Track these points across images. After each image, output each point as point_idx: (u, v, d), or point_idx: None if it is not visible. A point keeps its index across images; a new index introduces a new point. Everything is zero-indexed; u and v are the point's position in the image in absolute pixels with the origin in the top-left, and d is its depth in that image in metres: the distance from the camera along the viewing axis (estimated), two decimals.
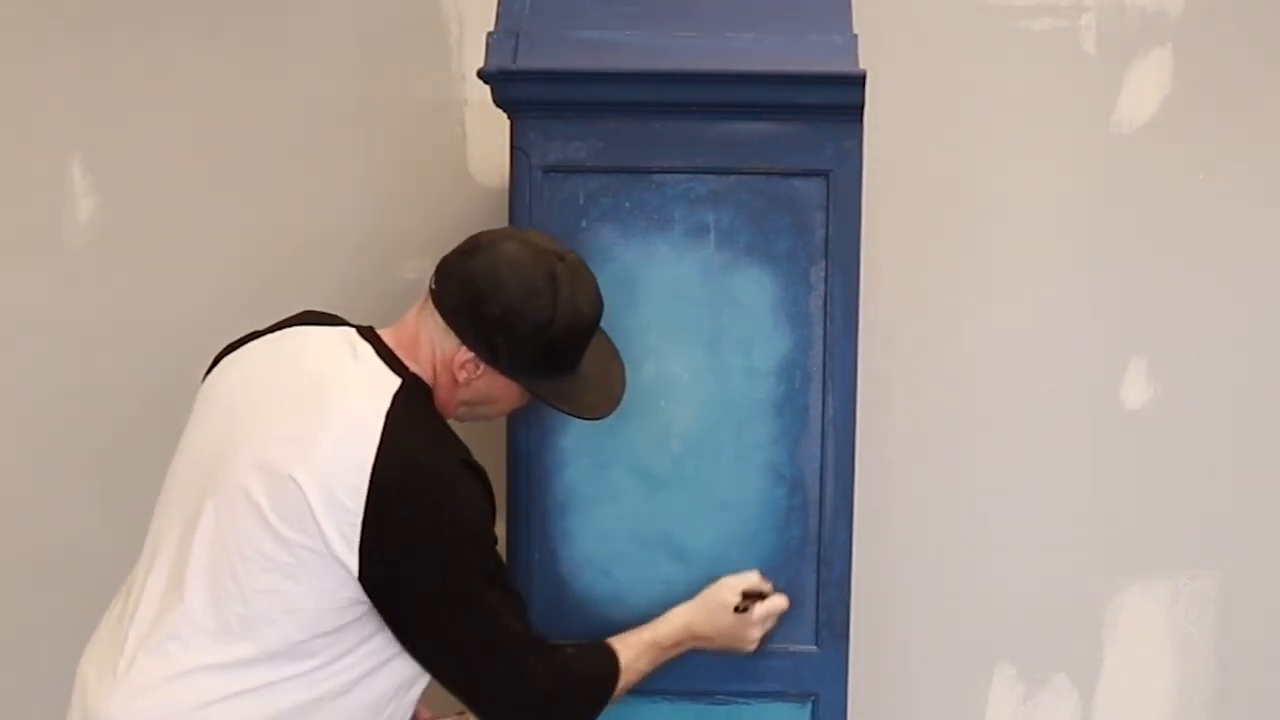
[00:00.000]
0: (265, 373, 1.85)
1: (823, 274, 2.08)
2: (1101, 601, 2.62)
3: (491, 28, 2.10)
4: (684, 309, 2.08)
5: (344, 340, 1.87)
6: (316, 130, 2.57)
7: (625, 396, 2.00)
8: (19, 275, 2.64)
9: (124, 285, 2.61)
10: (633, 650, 1.96)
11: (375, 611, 1.78)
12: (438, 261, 1.87)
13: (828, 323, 2.08)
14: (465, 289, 1.82)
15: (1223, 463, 2.60)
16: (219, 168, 2.58)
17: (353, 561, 1.73)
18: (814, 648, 2.10)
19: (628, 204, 2.08)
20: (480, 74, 2.05)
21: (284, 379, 1.83)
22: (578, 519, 2.08)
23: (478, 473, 1.84)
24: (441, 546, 1.77)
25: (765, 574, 2.06)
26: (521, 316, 1.81)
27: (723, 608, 2.02)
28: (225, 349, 1.93)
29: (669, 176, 2.07)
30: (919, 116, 2.54)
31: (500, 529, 2.20)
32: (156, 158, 2.60)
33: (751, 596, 2.03)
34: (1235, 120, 2.56)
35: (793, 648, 2.10)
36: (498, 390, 1.89)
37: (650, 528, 2.09)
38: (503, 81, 2.04)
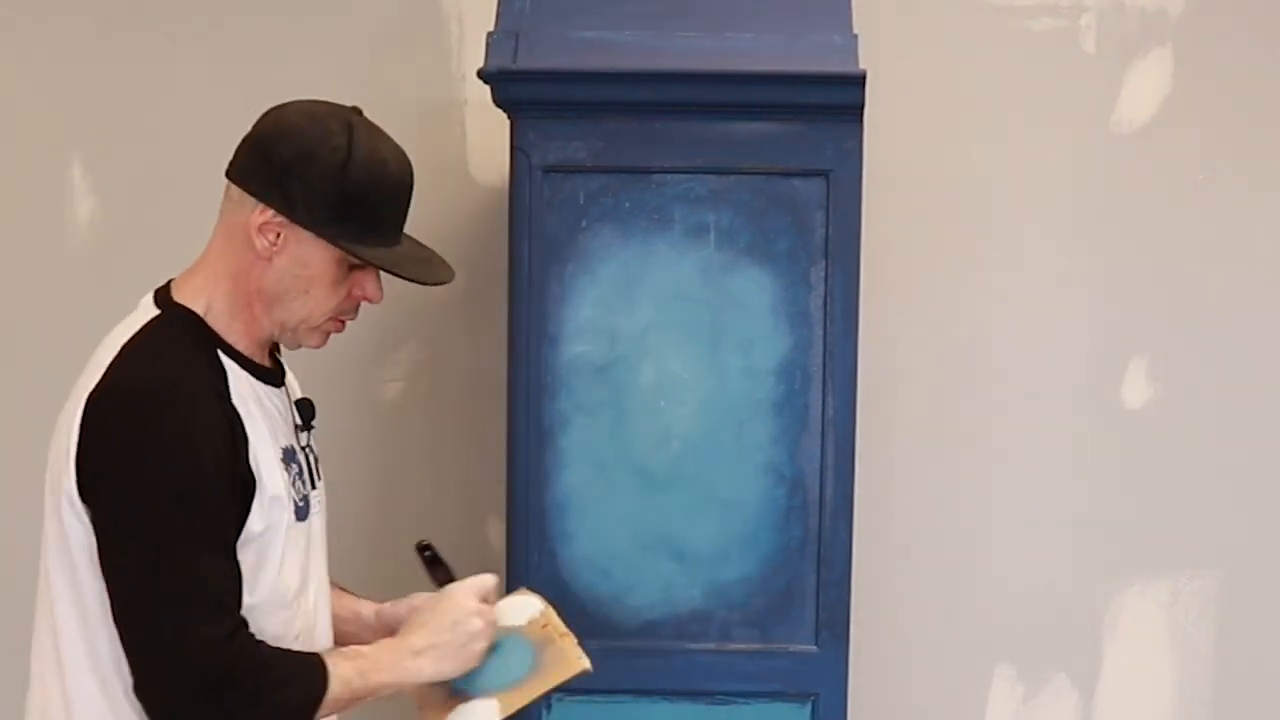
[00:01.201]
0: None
1: (823, 274, 2.08)
2: (1101, 601, 2.62)
3: (491, 28, 2.10)
4: (684, 309, 2.08)
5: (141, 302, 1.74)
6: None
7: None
8: (19, 275, 2.64)
9: (124, 285, 2.61)
10: (346, 669, 1.64)
11: None
12: None
13: (828, 323, 2.08)
14: (255, 144, 1.67)
15: (1222, 463, 2.60)
16: (219, 168, 2.57)
17: (77, 502, 1.59)
18: (814, 648, 2.10)
19: (628, 204, 2.08)
20: (480, 74, 2.05)
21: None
22: (577, 519, 2.08)
23: (203, 402, 1.60)
24: (133, 475, 1.56)
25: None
26: (313, 156, 1.62)
27: (425, 609, 1.74)
28: None
29: (669, 176, 2.07)
30: (919, 116, 2.54)
31: (500, 529, 2.20)
32: (156, 158, 2.60)
33: (441, 564, 1.81)
34: (1235, 120, 2.55)
35: (793, 648, 2.10)
36: (305, 265, 1.65)
37: (650, 528, 2.09)
38: (503, 81, 2.04)
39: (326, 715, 1.63)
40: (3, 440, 2.68)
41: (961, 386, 2.59)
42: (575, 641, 1.85)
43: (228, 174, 1.69)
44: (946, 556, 2.61)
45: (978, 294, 2.58)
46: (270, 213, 1.64)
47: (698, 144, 2.06)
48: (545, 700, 2.11)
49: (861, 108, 2.03)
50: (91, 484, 1.59)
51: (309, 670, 1.61)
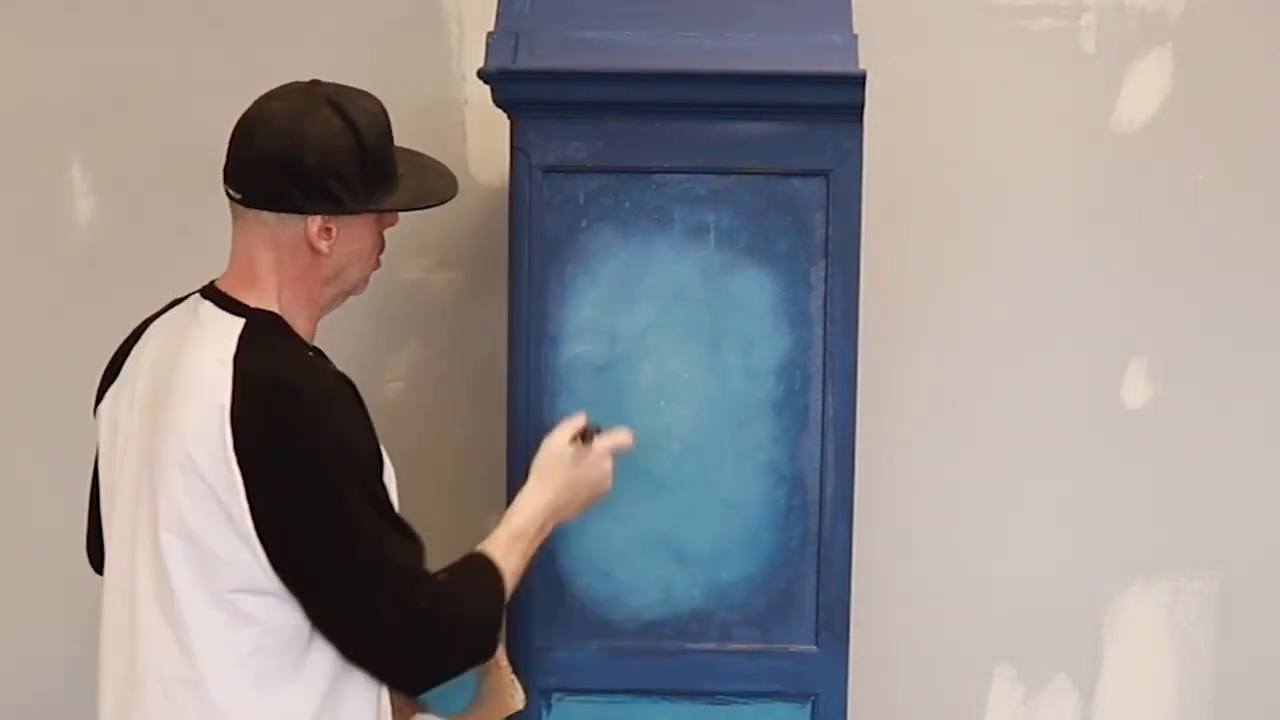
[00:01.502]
0: (142, 392, 1.77)
1: (823, 274, 2.08)
2: (1101, 601, 2.62)
3: (491, 28, 2.10)
4: (684, 309, 2.08)
5: (189, 310, 1.80)
6: None
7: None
8: (19, 275, 2.64)
9: (124, 285, 2.61)
10: (500, 553, 1.84)
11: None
12: (226, 172, 1.79)
13: (828, 323, 2.08)
14: (270, 167, 1.73)
15: (1223, 463, 2.60)
16: (219, 168, 2.58)
17: (247, 521, 1.65)
18: (814, 648, 2.10)
19: (628, 204, 2.08)
20: (480, 74, 2.05)
21: (145, 389, 1.76)
22: (578, 519, 2.08)
23: (345, 387, 1.74)
24: (311, 466, 1.65)
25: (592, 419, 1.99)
26: (334, 151, 1.73)
27: (566, 463, 1.93)
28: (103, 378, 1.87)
29: (669, 176, 2.07)
30: (919, 116, 2.54)
31: None
32: (156, 158, 2.60)
33: (583, 436, 1.95)
34: (1235, 120, 2.55)
35: (793, 648, 2.10)
36: (358, 239, 1.80)
37: (650, 528, 2.09)
38: (503, 81, 2.04)
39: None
40: (5, 439, 2.67)
41: (961, 386, 2.59)
42: (514, 678, 1.97)
43: (252, 204, 1.76)
44: (946, 556, 2.61)
45: (978, 294, 2.58)
46: (320, 218, 1.74)
47: (698, 144, 2.06)
48: (545, 700, 2.11)
49: (861, 108, 2.03)
50: (266, 491, 1.65)
51: (492, 589, 1.81)
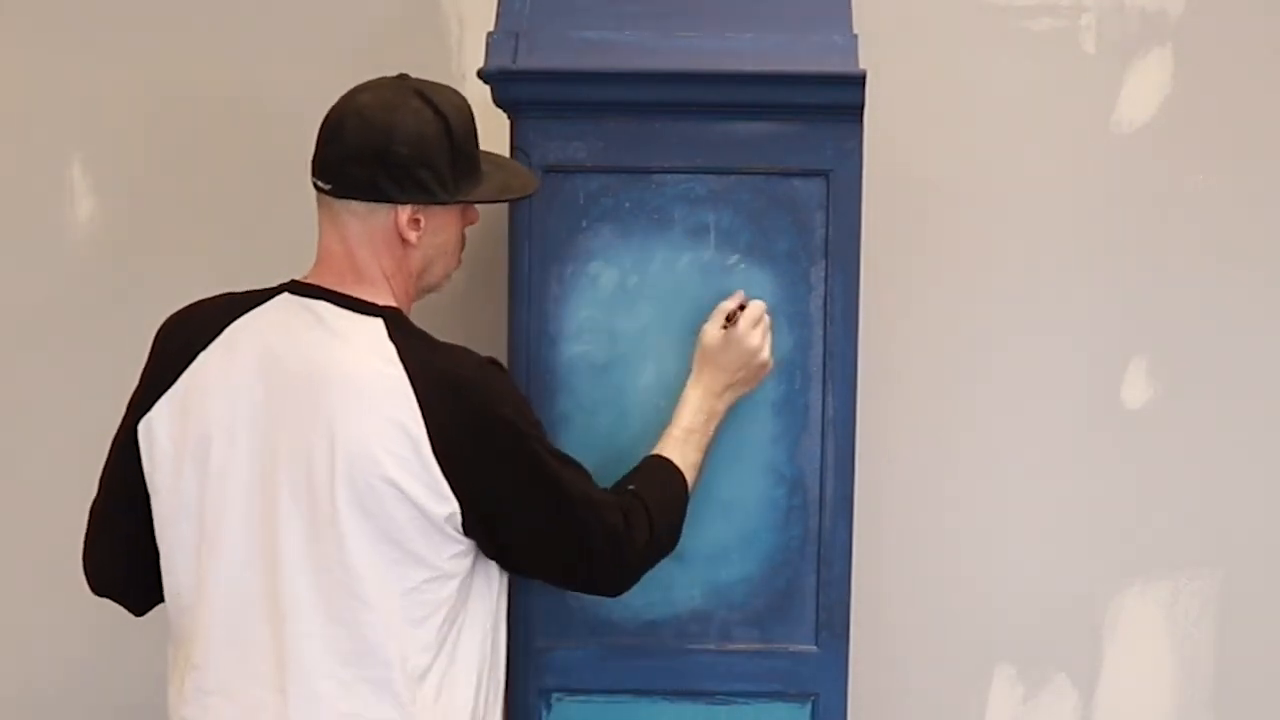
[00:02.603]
0: (263, 394, 1.76)
1: (823, 274, 2.08)
2: (1101, 601, 2.62)
3: (491, 28, 2.10)
4: (684, 309, 2.08)
5: (300, 312, 1.79)
6: (316, 130, 2.56)
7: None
8: (19, 275, 2.64)
9: (124, 285, 2.61)
10: (676, 451, 1.96)
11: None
12: (315, 164, 1.80)
13: (828, 323, 2.08)
14: (363, 157, 1.75)
15: (1223, 463, 2.60)
16: (219, 168, 2.58)
17: (448, 504, 1.73)
18: (814, 648, 2.10)
19: (628, 204, 2.08)
20: (480, 74, 2.05)
21: (279, 386, 1.75)
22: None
23: (498, 364, 1.85)
24: (510, 438, 1.76)
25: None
26: (426, 140, 1.76)
27: (717, 348, 2.00)
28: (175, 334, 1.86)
29: (669, 176, 2.07)
30: (919, 116, 2.54)
31: None
32: (156, 158, 2.60)
33: (730, 318, 2.02)
34: (1235, 120, 2.55)
35: (793, 648, 2.10)
36: (444, 231, 1.85)
37: None
38: (503, 81, 2.04)
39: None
40: (4, 439, 2.67)
41: (961, 386, 2.59)
42: None
43: (343, 194, 1.77)
44: (946, 556, 2.61)
45: (978, 294, 2.58)
46: (410, 209, 1.77)
47: (698, 144, 2.06)
48: (545, 700, 2.11)
49: (861, 108, 2.03)
50: (475, 479, 1.73)
51: (674, 489, 1.93)
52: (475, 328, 2.57)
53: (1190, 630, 2.63)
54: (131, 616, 1.98)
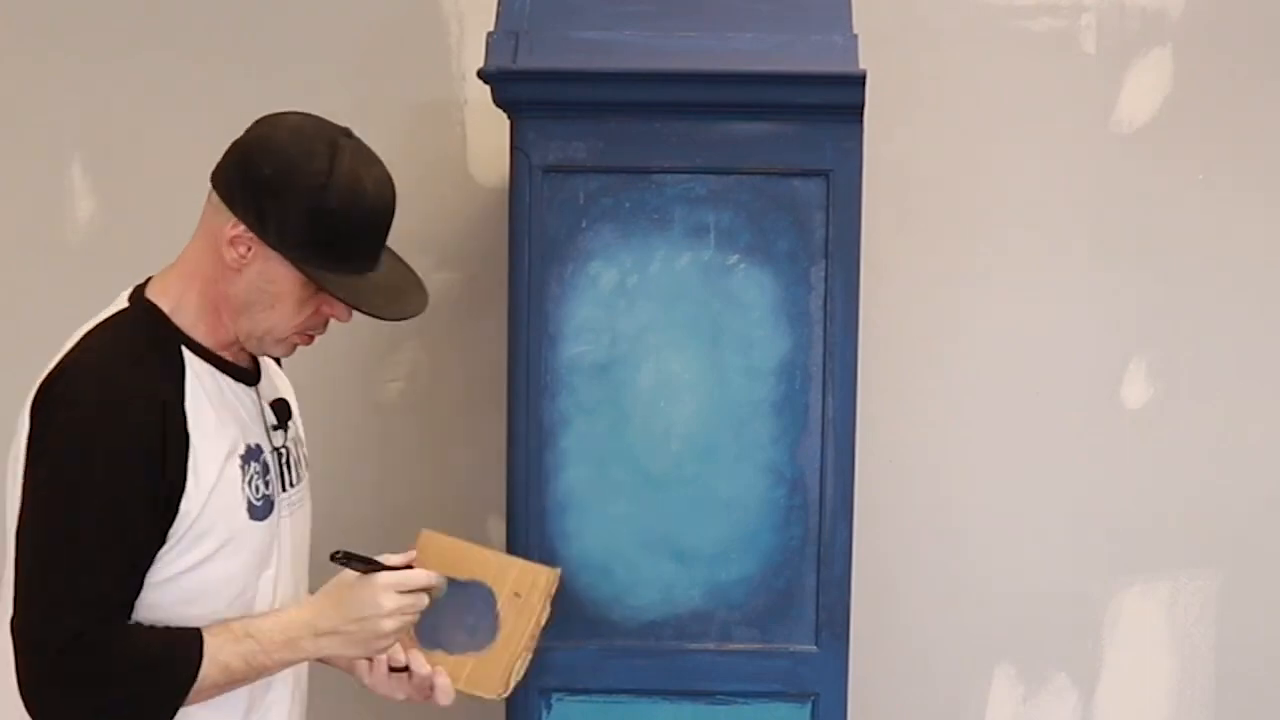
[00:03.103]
0: None
1: (823, 274, 2.08)
2: (1101, 601, 2.62)
3: (491, 28, 2.10)
4: (684, 309, 2.08)
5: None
6: None
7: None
8: (19, 275, 2.64)
9: (124, 285, 2.61)
10: (223, 642, 1.63)
11: None
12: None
13: (828, 323, 2.08)
14: (237, 154, 1.67)
15: (1223, 463, 2.60)
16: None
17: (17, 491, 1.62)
18: (814, 648, 2.10)
19: (628, 204, 2.08)
20: (480, 74, 2.05)
21: None
22: (578, 519, 2.08)
23: (139, 396, 1.61)
24: (55, 452, 1.59)
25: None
26: (291, 178, 1.62)
27: (342, 585, 1.71)
28: None
29: (669, 176, 2.07)
30: (919, 116, 2.54)
31: (500, 529, 2.20)
32: (156, 158, 2.60)
33: (363, 561, 1.72)
34: (1235, 120, 2.55)
35: (793, 648, 2.10)
36: (271, 282, 1.66)
37: (650, 528, 2.09)
38: (503, 81, 2.04)
39: (207, 698, 1.64)
40: (4, 439, 2.67)
41: (961, 386, 2.59)
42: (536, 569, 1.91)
43: (212, 178, 1.70)
44: (946, 556, 2.61)
45: (978, 294, 2.58)
46: (242, 227, 1.65)
47: (698, 144, 2.06)
48: (545, 700, 2.11)
49: (861, 108, 2.03)
50: (27, 465, 1.62)
51: (179, 660, 1.61)
52: (475, 328, 2.57)
53: (1190, 630, 2.63)
54: None
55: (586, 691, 2.11)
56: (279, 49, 2.58)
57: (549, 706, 2.11)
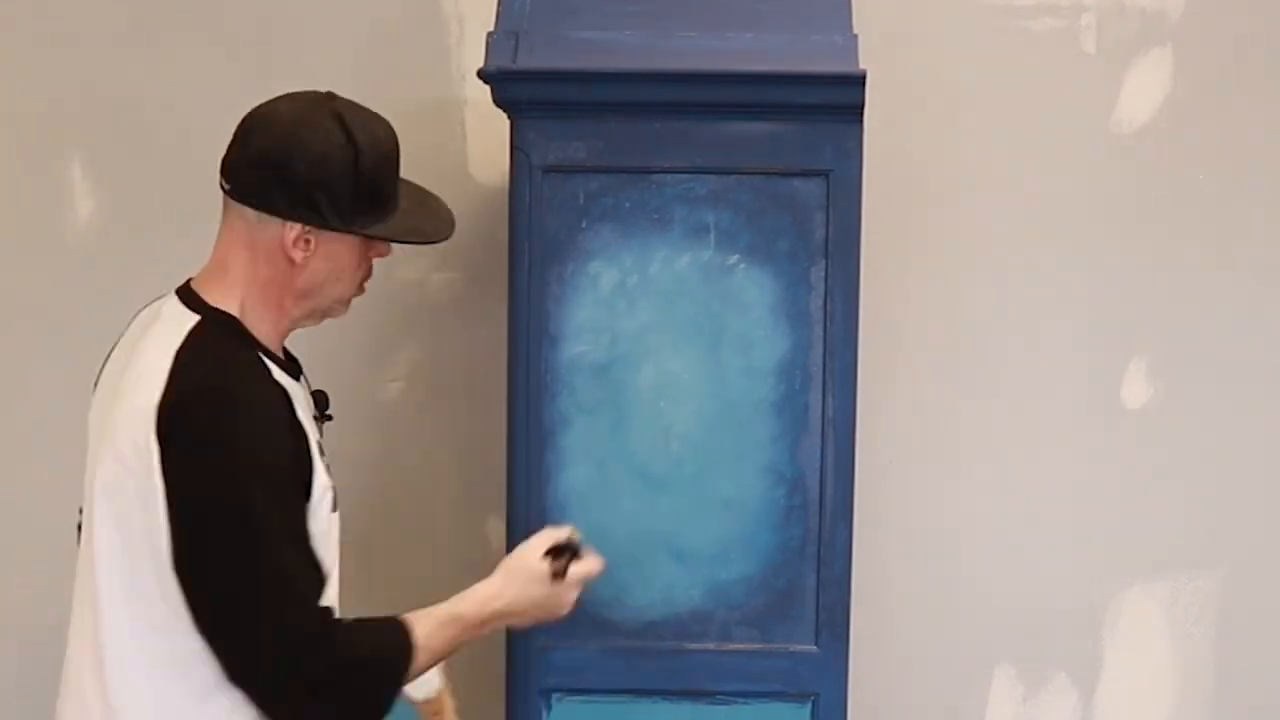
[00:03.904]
0: (100, 387, 1.78)
1: (823, 274, 2.08)
2: (1101, 601, 2.62)
3: (491, 28, 2.10)
4: (684, 309, 2.08)
5: (155, 306, 1.79)
6: None
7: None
8: (19, 275, 2.64)
9: (124, 285, 2.61)
10: (429, 626, 1.74)
11: None
12: (222, 162, 1.76)
13: (828, 323, 2.08)
14: (262, 166, 1.70)
15: (1223, 462, 2.60)
16: (218, 168, 2.58)
17: (162, 522, 1.62)
18: (814, 648, 2.10)
19: (628, 204, 2.08)
20: (480, 74, 2.05)
21: (104, 386, 1.76)
22: (577, 519, 2.08)
23: (275, 397, 1.69)
24: (222, 469, 1.61)
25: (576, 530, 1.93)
26: (326, 164, 1.70)
27: (534, 578, 1.84)
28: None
29: (669, 176, 2.07)
30: (919, 116, 2.54)
31: (500, 529, 2.20)
32: (156, 158, 2.60)
33: (559, 552, 1.86)
34: (1235, 120, 2.56)
35: (793, 648, 2.10)
36: (336, 258, 1.74)
37: (650, 528, 2.09)
38: (503, 81, 2.04)
39: (416, 676, 1.77)
40: (5, 439, 2.67)
41: (961, 386, 2.59)
42: None
43: (238, 197, 1.73)
44: (946, 556, 2.61)
45: (978, 294, 2.58)
46: (299, 227, 1.71)
47: (698, 144, 2.06)
48: (545, 700, 2.11)
49: (861, 108, 2.03)
50: (178, 489, 1.62)
51: (400, 648, 1.71)
52: (475, 328, 2.57)
53: (1190, 630, 2.63)
54: None
55: (586, 691, 2.11)
56: (279, 49, 2.58)
57: (549, 706, 2.12)
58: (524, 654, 2.10)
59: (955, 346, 2.59)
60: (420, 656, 1.73)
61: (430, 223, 1.83)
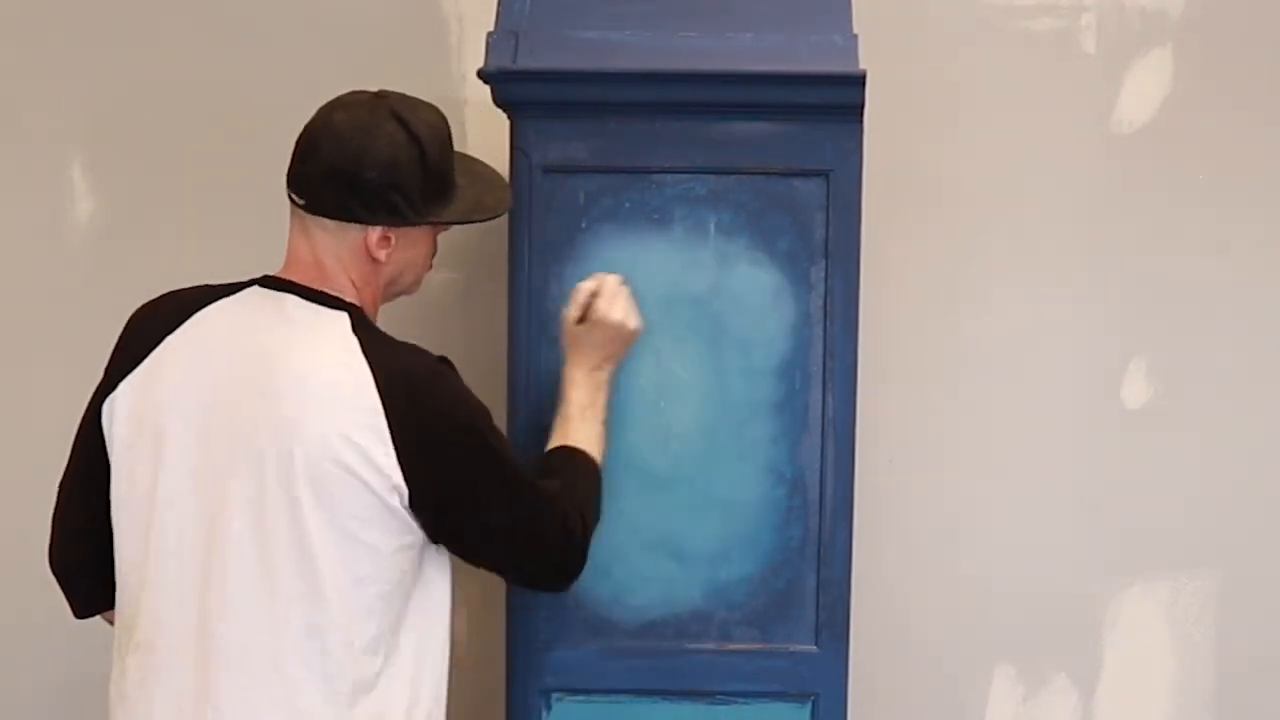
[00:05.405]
0: (214, 380, 1.78)
1: (823, 274, 2.08)
2: (1101, 601, 2.62)
3: (491, 28, 2.10)
4: (684, 309, 2.08)
5: (263, 303, 1.83)
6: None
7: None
8: (19, 275, 2.64)
9: (124, 285, 2.61)
10: (579, 431, 1.96)
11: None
12: (290, 177, 1.83)
13: (828, 323, 2.08)
14: (335, 179, 1.78)
15: (1223, 462, 2.60)
16: (219, 168, 2.58)
17: (402, 494, 1.74)
18: (814, 648, 2.10)
19: (628, 204, 2.08)
20: (480, 74, 2.05)
21: (236, 375, 1.76)
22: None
23: (449, 364, 1.86)
24: (465, 434, 1.78)
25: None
26: (398, 165, 1.79)
27: (576, 333, 1.99)
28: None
29: (669, 176, 2.07)
30: (919, 116, 2.54)
31: None
32: (156, 158, 2.60)
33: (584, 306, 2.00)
34: (1235, 120, 2.56)
35: (793, 648, 2.10)
36: (414, 246, 1.88)
37: (650, 528, 2.09)
38: (503, 81, 2.05)
39: None
40: (5, 439, 2.67)
41: (961, 386, 2.59)
42: None
43: (314, 211, 1.80)
44: (946, 556, 2.61)
45: (978, 294, 2.58)
46: (380, 229, 1.80)
47: (698, 144, 2.06)
48: (545, 700, 2.11)
49: (861, 108, 2.03)
50: (431, 470, 1.75)
51: (592, 474, 1.94)
52: (475, 328, 2.57)
53: (1190, 630, 2.63)
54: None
55: (586, 691, 2.11)
56: (279, 49, 2.58)
57: (549, 706, 2.12)
58: (524, 654, 2.10)
59: (955, 347, 2.59)
60: (599, 460, 1.96)
61: (491, 194, 1.93)
